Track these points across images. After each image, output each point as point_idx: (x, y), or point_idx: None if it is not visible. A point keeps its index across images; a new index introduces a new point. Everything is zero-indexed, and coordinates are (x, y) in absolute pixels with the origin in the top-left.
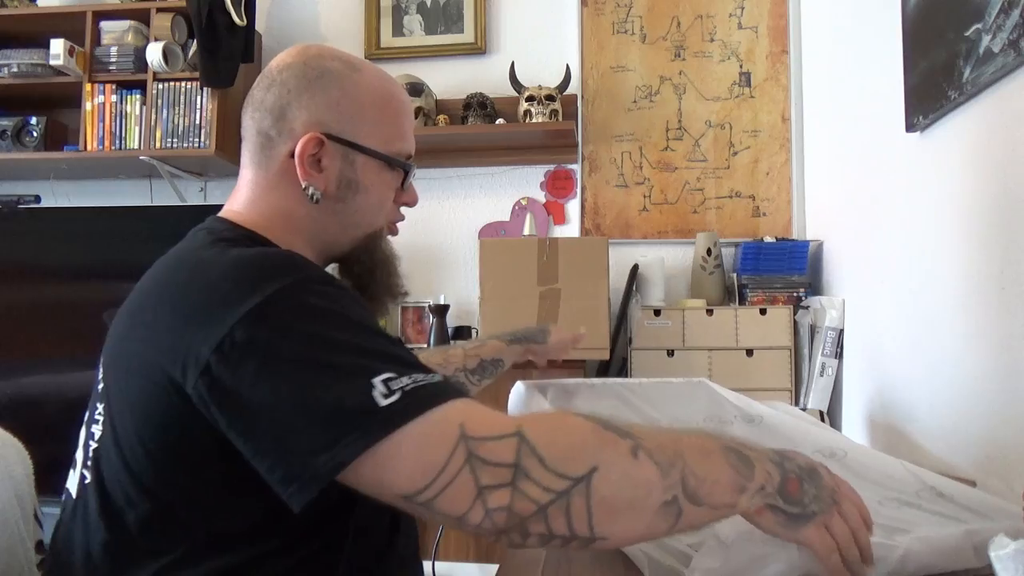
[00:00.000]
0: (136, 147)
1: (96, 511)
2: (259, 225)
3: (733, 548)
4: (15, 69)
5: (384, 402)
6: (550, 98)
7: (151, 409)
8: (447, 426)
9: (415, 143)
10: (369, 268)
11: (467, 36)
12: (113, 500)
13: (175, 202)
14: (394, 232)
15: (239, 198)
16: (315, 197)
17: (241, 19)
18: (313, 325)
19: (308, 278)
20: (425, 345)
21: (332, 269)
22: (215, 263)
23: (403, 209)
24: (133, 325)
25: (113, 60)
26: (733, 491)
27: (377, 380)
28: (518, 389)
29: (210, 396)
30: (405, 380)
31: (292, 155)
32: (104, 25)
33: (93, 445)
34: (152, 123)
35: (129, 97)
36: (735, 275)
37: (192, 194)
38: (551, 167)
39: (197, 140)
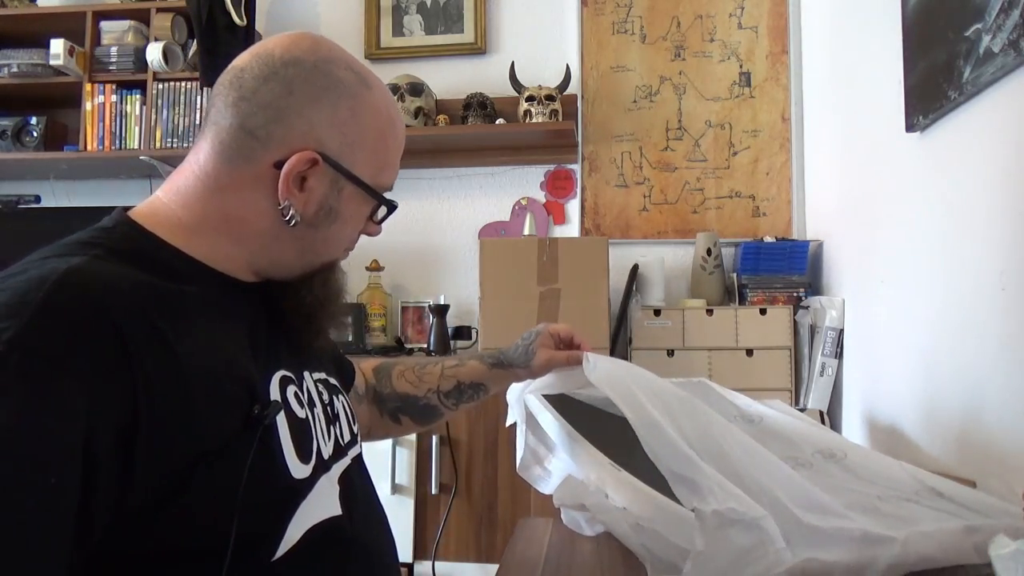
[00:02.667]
0: (136, 147)
1: None
2: (181, 224)
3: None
4: (15, 69)
5: None
6: (550, 98)
7: None
8: None
9: (416, 144)
10: (322, 301)
11: (467, 36)
12: None
13: None
14: (344, 257)
15: (178, 186)
16: (293, 220)
17: (241, 19)
18: None
19: (28, 338)
20: (425, 345)
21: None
22: (7, 275)
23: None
24: None
25: (113, 60)
26: None
27: None
28: (517, 388)
29: None
30: None
31: (276, 164)
32: (104, 25)
33: None
34: (152, 123)
35: (129, 97)
36: (735, 275)
37: None
38: (551, 167)
39: None
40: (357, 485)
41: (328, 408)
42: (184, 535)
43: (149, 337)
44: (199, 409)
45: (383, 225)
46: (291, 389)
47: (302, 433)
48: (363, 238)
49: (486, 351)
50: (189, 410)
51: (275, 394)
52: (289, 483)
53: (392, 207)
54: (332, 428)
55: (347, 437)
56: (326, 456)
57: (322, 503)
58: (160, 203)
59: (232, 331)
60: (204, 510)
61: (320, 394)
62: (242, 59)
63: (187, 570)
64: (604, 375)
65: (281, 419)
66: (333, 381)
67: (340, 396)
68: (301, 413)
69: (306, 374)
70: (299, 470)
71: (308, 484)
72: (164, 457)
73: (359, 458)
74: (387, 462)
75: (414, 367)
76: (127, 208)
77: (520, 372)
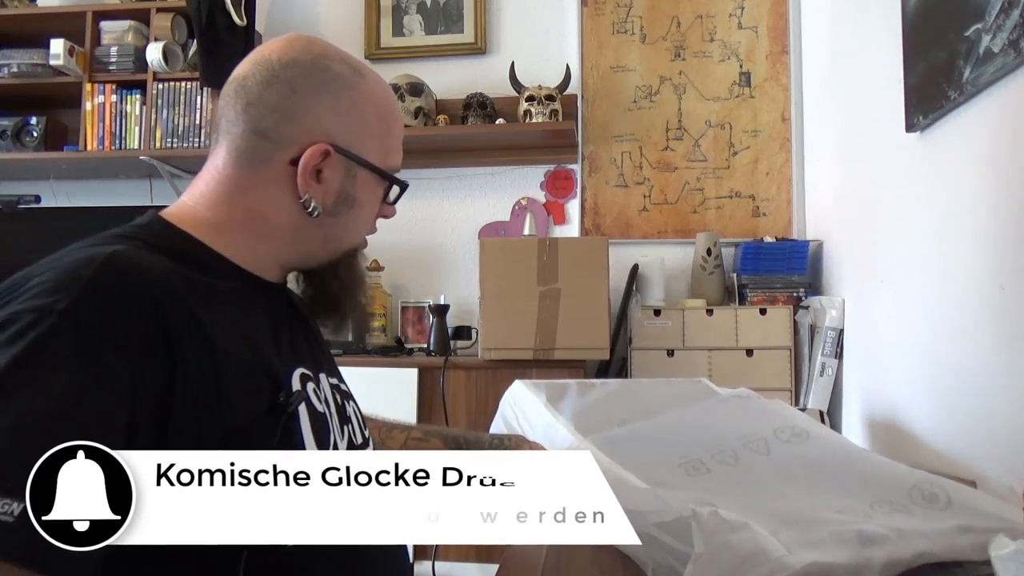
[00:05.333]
0: (136, 147)
1: None
2: (211, 225)
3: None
4: (15, 69)
5: None
6: (550, 98)
7: None
8: None
9: (416, 144)
10: (347, 286)
11: (467, 36)
12: None
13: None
14: (364, 244)
15: (200, 190)
16: (315, 211)
17: (241, 19)
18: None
19: (80, 310)
20: (425, 345)
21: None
22: (54, 258)
23: (402, 202)
24: None
25: (113, 60)
26: None
27: None
28: (516, 388)
29: None
30: None
31: (291, 161)
32: (104, 25)
33: None
34: (152, 123)
35: (129, 97)
36: (735, 275)
37: None
38: (551, 167)
39: (197, 140)
40: None
41: (341, 411)
42: None
43: (186, 321)
44: (229, 393)
45: (396, 206)
46: (310, 385)
47: (321, 425)
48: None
49: (451, 432)
50: (220, 393)
51: (296, 387)
52: None
53: (404, 185)
54: (345, 428)
55: (359, 440)
56: (341, 450)
57: None
58: (187, 206)
59: (257, 324)
60: None
61: (334, 397)
62: (243, 68)
63: (208, 551)
64: None
65: (303, 409)
66: (344, 387)
67: (351, 402)
68: (320, 408)
69: (322, 376)
70: None
71: None
72: (194, 436)
73: None
74: None
75: (381, 427)
76: (159, 208)
77: None
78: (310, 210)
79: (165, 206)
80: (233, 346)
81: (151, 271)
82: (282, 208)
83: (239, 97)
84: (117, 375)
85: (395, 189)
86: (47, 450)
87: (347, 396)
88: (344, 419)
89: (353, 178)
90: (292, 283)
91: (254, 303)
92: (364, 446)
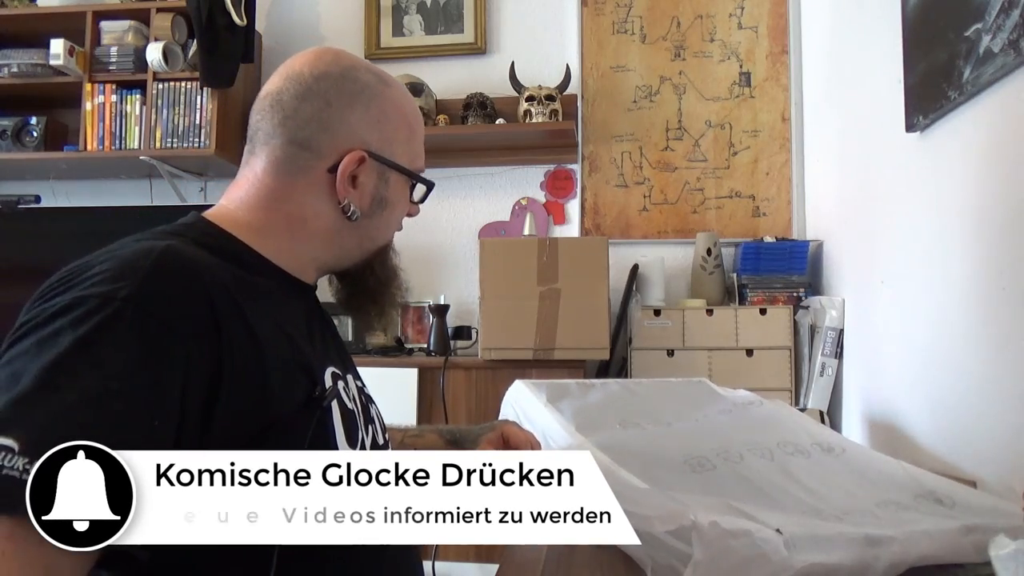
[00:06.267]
0: (136, 147)
1: None
2: (252, 228)
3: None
4: (15, 69)
5: None
6: (550, 98)
7: None
8: None
9: None
10: (383, 281)
11: (467, 36)
12: None
13: (175, 202)
14: (391, 240)
15: (240, 196)
16: (355, 215)
17: (241, 19)
18: (54, 342)
19: (141, 298)
20: (425, 345)
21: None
22: (110, 250)
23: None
24: None
25: (113, 60)
26: None
27: None
28: (517, 387)
29: None
30: (7, 459)
31: (329, 169)
32: (104, 25)
33: None
34: (152, 123)
35: (129, 97)
36: (735, 275)
37: (192, 194)
38: (551, 167)
39: (197, 140)
40: None
41: (365, 412)
42: None
43: (233, 311)
44: (271, 383)
45: (421, 205)
46: (340, 384)
47: (351, 422)
48: None
49: (446, 427)
50: (263, 382)
51: (329, 384)
52: None
53: (430, 185)
54: (370, 428)
55: (381, 441)
56: (367, 448)
57: None
58: (227, 210)
59: (295, 321)
60: None
61: (359, 398)
62: (274, 83)
63: (238, 554)
64: None
65: (335, 405)
66: (367, 391)
67: (374, 405)
68: (350, 406)
69: (349, 378)
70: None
71: None
72: (237, 422)
73: None
74: None
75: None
76: (201, 209)
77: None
78: (349, 214)
79: (209, 205)
80: (273, 339)
81: (201, 264)
82: (321, 213)
83: (275, 112)
84: (174, 360)
85: (420, 189)
86: (105, 426)
87: (370, 399)
88: (368, 420)
89: (386, 181)
90: (324, 285)
91: (291, 301)
92: (385, 448)
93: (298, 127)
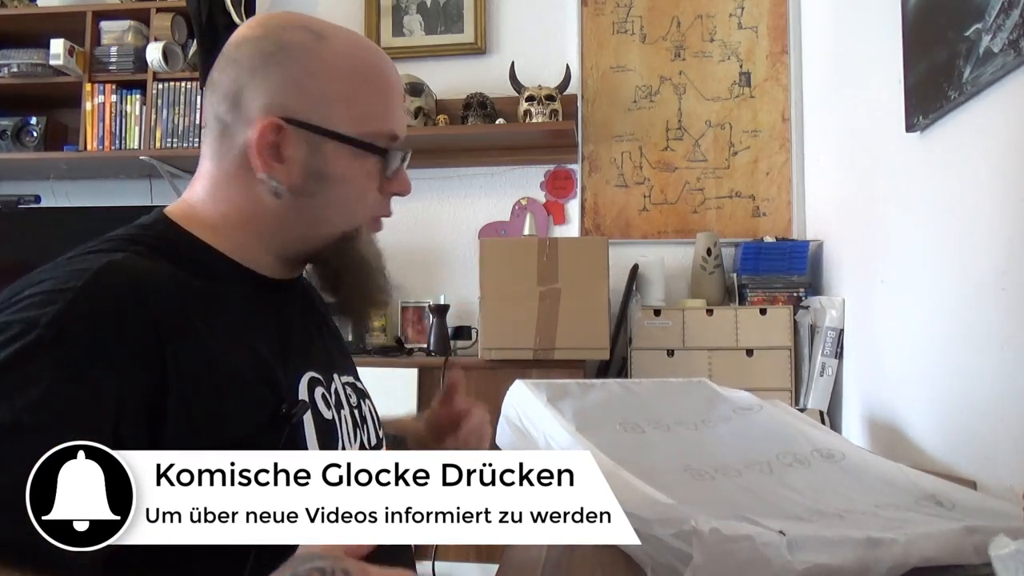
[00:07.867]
0: (136, 147)
1: None
2: (208, 224)
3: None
4: (15, 69)
5: None
6: (550, 98)
7: None
8: None
9: (416, 144)
10: (337, 271)
11: (467, 36)
12: None
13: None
14: (377, 228)
15: (195, 191)
16: (277, 192)
17: (241, 19)
18: None
19: (65, 322)
20: (425, 345)
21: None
22: (56, 264)
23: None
24: None
25: (113, 60)
26: None
27: None
28: (517, 387)
29: None
30: None
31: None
32: (104, 25)
33: None
34: (152, 123)
35: (129, 97)
36: (735, 275)
37: None
38: (551, 167)
39: (197, 140)
40: None
41: (356, 412)
42: None
43: (183, 330)
44: (227, 403)
45: (406, 180)
46: (319, 391)
47: (327, 434)
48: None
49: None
50: (217, 403)
51: (303, 395)
52: None
53: (385, 151)
54: (359, 432)
55: (373, 441)
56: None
57: None
58: (187, 204)
59: (261, 331)
60: None
61: (348, 397)
62: (215, 63)
63: (213, 564)
64: None
65: (308, 419)
66: (361, 385)
67: (367, 400)
68: (328, 415)
69: (335, 376)
70: None
71: None
72: (191, 447)
73: None
74: None
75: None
76: (164, 206)
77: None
78: (273, 191)
79: (167, 205)
80: (232, 356)
81: (147, 282)
82: (256, 197)
83: (208, 90)
84: (101, 387)
85: (394, 159)
86: (23, 458)
87: (363, 395)
88: (358, 421)
89: (318, 151)
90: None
91: (262, 306)
92: (378, 447)
93: (218, 102)
